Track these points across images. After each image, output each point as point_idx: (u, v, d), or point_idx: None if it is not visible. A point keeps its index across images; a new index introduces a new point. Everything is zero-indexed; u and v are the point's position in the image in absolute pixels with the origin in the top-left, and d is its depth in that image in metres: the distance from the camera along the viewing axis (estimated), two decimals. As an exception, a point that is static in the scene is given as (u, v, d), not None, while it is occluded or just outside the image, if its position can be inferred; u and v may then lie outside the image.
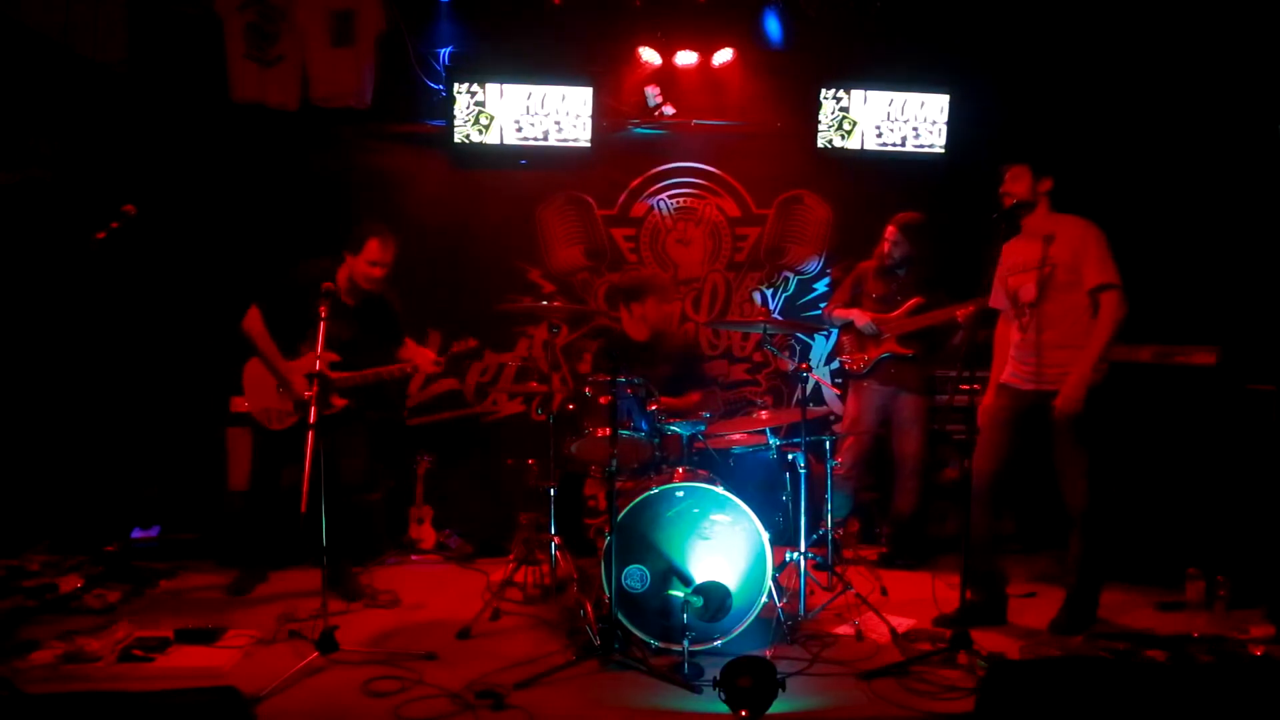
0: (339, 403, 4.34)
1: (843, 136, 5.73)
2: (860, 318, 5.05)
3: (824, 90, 5.66)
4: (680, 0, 5.59)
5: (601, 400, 4.25)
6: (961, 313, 4.66)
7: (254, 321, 4.32)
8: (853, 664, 3.62)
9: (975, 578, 4.08)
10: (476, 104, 5.49)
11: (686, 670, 3.48)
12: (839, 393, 5.34)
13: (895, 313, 4.98)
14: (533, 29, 5.60)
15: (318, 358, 3.63)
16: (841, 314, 5.15)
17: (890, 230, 4.98)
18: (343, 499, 4.23)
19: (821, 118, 5.68)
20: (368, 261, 4.28)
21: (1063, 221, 3.99)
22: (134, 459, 5.31)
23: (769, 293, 5.99)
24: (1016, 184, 4.00)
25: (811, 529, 4.37)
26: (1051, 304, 3.95)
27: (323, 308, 3.72)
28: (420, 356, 4.56)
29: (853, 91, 5.68)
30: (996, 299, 4.21)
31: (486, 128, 5.53)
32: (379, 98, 5.58)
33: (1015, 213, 3.95)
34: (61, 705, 2.57)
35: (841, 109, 5.69)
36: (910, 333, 4.94)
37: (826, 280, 5.96)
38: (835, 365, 5.39)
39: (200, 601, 4.41)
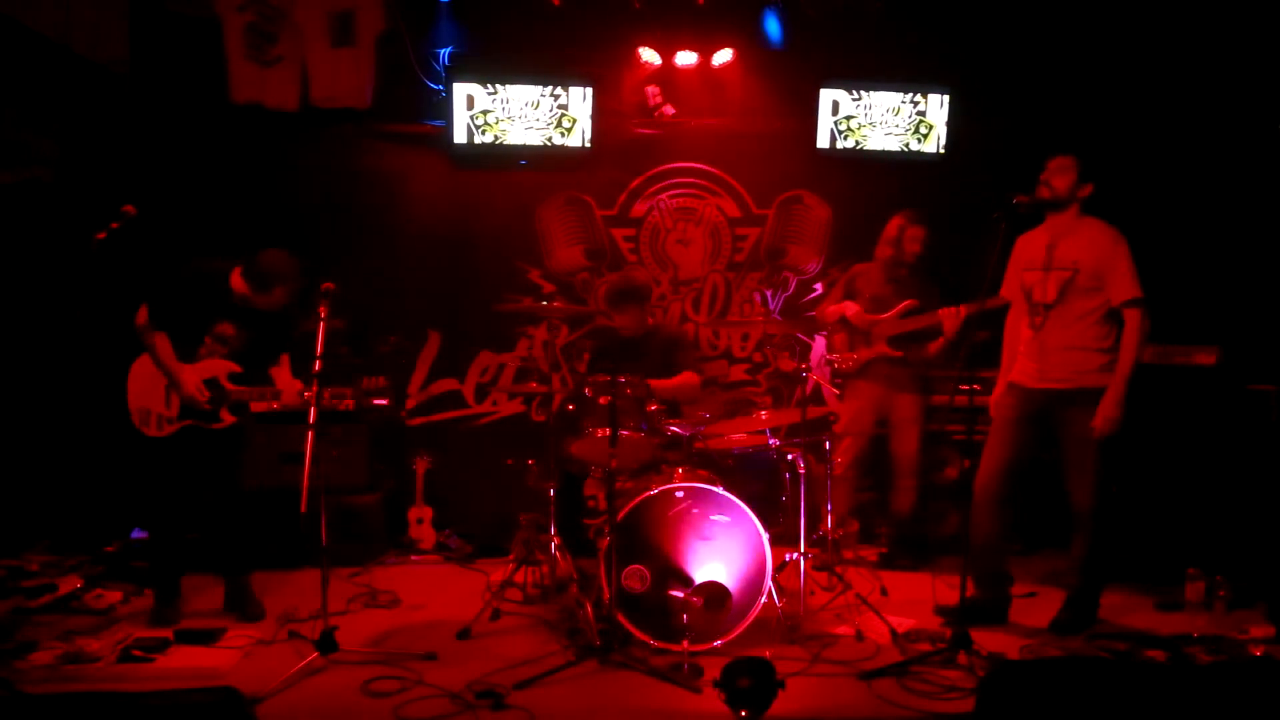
0: (228, 419, 4.07)
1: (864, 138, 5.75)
2: (852, 309, 5.02)
3: (851, 92, 5.64)
4: (680, 0, 5.59)
5: (601, 400, 4.24)
6: (946, 316, 4.61)
7: (142, 318, 4.06)
8: (853, 664, 3.62)
9: (982, 576, 4.09)
10: (495, 100, 5.48)
11: (686, 670, 3.48)
12: (838, 394, 5.33)
13: (888, 314, 4.96)
14: (533, 29, 5.60)
15: (318, 357, 3.61)
16: (835, 309, 5.12)
17: (917, 231, 4.93)
18: (234, 511, 4.19)
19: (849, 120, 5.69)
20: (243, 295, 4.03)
21: (1091, 226, 3.96)
22: (134, 459, 5.30)
23: (769, 293, 6.00)
24: (1059, 177, 3.93)
25: (811, 529, 4.37)
26: (1069, 306, 3.93)
27: (322, 308, 3.67)
28: (288, 387, 4.13)
29: (873, 92, 5.67)
30: (1010, 290, 4.19)
31: (499, 129, 5.54)
32: (379, 98, 5.58)
33: (1019, 210, 3.82)
34: (61, 706, 2.56)
35: (865, 110, 5.69)
36: (901, 335, 4.93)
37: (826, 280, 5.96)
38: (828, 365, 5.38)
39: (199, 602, 4.41)
